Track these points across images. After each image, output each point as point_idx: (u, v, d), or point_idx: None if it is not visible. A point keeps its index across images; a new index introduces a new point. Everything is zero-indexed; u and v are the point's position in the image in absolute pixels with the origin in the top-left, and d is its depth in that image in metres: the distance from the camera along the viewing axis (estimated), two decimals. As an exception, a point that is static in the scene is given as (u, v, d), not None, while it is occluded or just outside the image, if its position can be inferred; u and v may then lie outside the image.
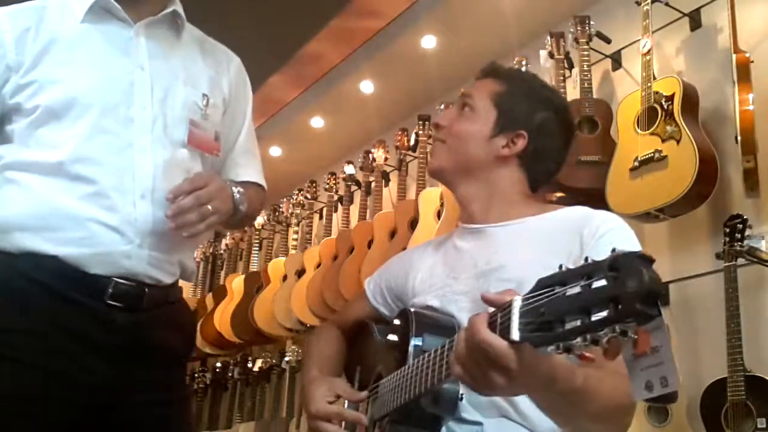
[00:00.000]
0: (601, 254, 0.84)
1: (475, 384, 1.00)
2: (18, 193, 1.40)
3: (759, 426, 2.03)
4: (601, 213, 1.38)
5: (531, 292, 0.90)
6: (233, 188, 1.54)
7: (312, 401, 1.45)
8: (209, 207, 1.43)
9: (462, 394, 1.27)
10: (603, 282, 0.80)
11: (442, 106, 3.32)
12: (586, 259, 0.85)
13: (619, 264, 0.79)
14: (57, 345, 1.35)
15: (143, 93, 1.47)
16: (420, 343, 1.34)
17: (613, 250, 0.82)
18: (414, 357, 1.30)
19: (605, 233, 1.30)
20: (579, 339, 0.82)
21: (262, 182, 1.72)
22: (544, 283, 0.89)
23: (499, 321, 0.95)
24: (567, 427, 1.19)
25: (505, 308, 0.94)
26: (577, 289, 0.83)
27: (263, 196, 1.72)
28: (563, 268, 0.87)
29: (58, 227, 1.37)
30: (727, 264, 2.18)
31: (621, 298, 0.78)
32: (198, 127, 1.53)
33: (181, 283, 1.57)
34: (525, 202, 1.47)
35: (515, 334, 0.90)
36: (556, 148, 1.50)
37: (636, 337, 0.80)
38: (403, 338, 1.38)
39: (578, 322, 0.82)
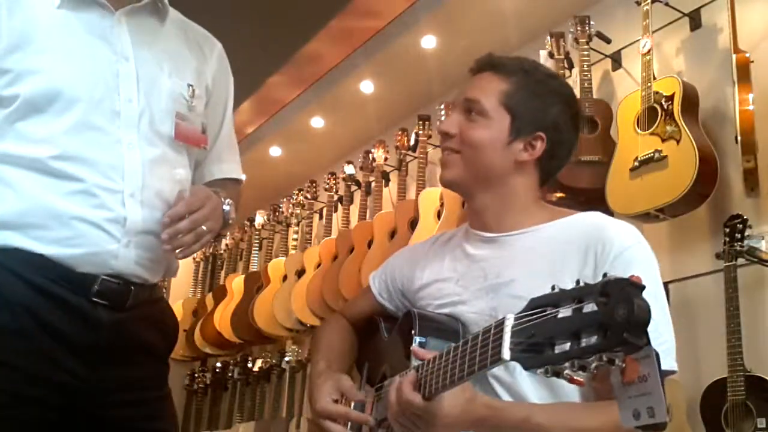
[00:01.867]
0: (618, 275, 0.82)
1: None
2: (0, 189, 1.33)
3: (759, 426, 2.03)
4: (615, 227, 1.33)
5: (523, 311, 0.89)
6: (223, 200, 1.49)
7: (317, 398, 1.42)
8: (204, 228, 1.40)
9: None
10: (593, 307, 0.79)
11: (442, 106, 3.32)
12: (578, 282, 0.84)
13: (609, 290, 0.78)
14: (37, 345, 1.31)
15: (129, 85, 1.41)
16: (423, 345, 1.33)
17: (605, 275, 0.81)
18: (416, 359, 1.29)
19: (621, 252, 1.27)
20: (567, 364, 0.81)
21: (242, 176, 1.70)
22: (536, 303, 0.87)
23: (422, 378, 1.14)
24: None
25: (497, 326, 0.94)
26: (568, 312, 0.82)
27: (241, 190, 1.69)
28: (556, 289, 0.86)
29: (43, 225, 1.32)
30: (727, 264, 2.18)
31: (610, 326, 0.77)
32: (185, 120, 1.48)
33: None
34: (537, 206, 1.43)
35: (506, 354, 0.89)
36: (569, 140, 1.44)
37: (624, 365, 0.80)
38: (406, 339, 1.37)
39: (567, 347, 0.81)
